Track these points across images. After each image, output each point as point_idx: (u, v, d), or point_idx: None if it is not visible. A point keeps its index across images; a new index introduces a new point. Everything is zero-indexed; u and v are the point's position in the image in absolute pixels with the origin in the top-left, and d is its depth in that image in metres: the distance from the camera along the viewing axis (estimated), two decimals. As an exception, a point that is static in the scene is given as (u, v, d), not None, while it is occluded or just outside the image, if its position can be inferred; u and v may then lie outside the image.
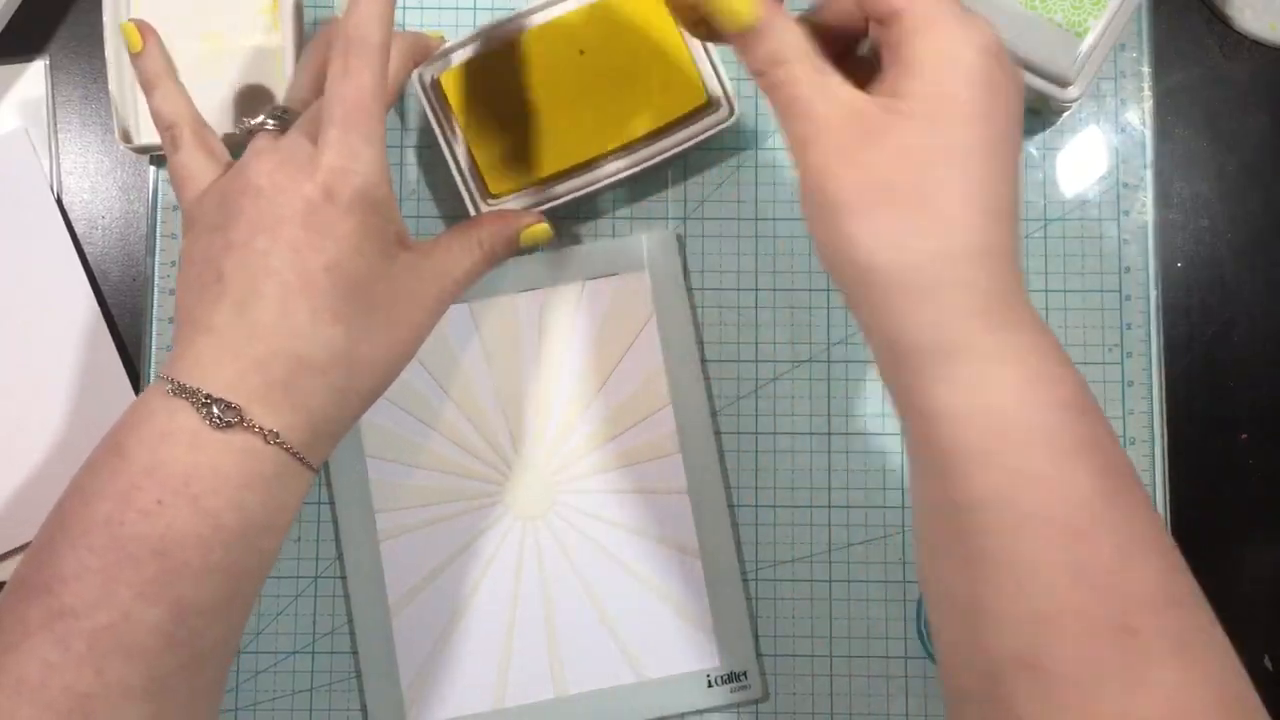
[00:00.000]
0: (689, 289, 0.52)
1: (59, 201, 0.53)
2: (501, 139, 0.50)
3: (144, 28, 0.47)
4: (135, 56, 0.47)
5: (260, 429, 0.38)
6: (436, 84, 0.50)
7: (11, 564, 0.51)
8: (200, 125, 0.46)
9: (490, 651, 0.51)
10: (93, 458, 0.39)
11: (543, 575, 0.51)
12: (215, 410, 0.38)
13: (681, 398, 0.51)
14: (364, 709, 0.51)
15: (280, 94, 0.51)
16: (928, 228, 0.35)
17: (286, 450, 0.39)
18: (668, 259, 0.52)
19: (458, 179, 0.50)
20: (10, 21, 0.54)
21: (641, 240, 0.52)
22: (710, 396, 0.52)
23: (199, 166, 0.44)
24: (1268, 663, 0.51)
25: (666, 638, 0.50)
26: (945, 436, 0.34)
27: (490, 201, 0.50)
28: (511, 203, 0.50)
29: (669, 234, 0.52)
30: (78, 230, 0.53)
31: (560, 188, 0.50)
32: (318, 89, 0.45)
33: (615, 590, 0.51)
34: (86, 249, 0.53)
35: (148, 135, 0.51)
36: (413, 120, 0.53)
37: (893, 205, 0.35)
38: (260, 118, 0.45)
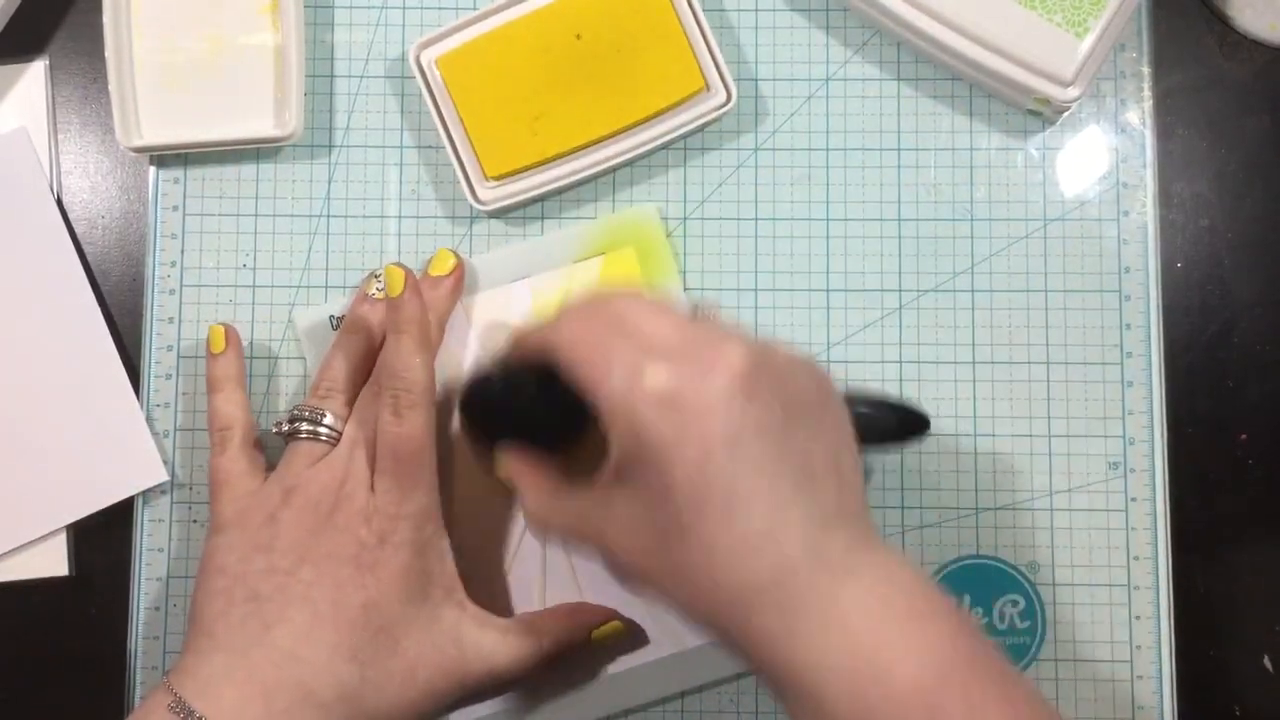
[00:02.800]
0: (677, 260, 0.52)
1: (59, 201, 0.53)
2: (499, 122, 0.50)
3: (231, 334, 0.50)
4: (213, 357, 0.49)
5: None
6: (435, 67, 0.51)
7: (11, 563, 0.51)
8: (251, 432, 0.48)
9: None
10: None
11: (568, 559, 0.50)
12: None
13: None
14: None
15: (276, 91, 0.51)
16: (689, 591, 0.37)
17: None
18: (652, 232, 0.52)
19: (454, 161, 0.50)
20: (10, 21, 0.54)
21: (624, 216, 0.52)
22: None
23: (241, 471, 0.46)
24: (1267, 663, 0.51)
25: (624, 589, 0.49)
26: (813, 708, 0.35)
27: (487, 184, 0.50)
28: (508, 186, 0.50)
29: (650, 208, 0.52)
30: (78, 230, 0.53)
31: (557, 171, 0.50)
32: (353, 377, 0.47)
33: None
34: (86, 249, 0.53)
35: (148, 135, 0.51)
36: (412, 103, 0.53)
37: (660, 579, 0.38)
38: (297, 423, 0.46)
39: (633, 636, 0.49)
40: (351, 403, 0.47)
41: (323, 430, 0.46)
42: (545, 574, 0.50)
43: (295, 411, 0.47)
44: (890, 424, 0.45)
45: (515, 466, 0.44)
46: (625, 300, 0.39)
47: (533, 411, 0.44)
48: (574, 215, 0.53)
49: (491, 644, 0.45)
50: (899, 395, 0.46)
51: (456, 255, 0.50)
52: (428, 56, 0.51)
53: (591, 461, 0.40)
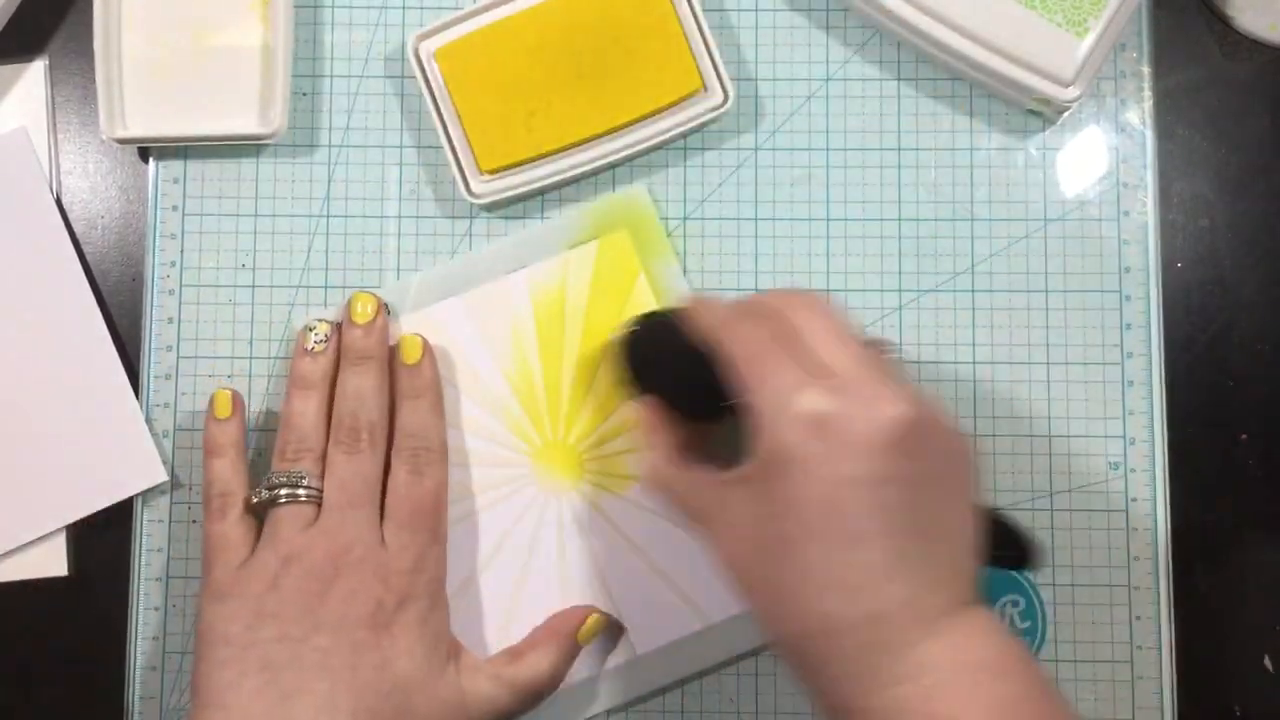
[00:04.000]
0: (671, 241, 0.52)
1: (58, 201, 0.53)
2: (495, 116, 0.50)
3: (236, 400, 0.50)
4: (217, 421, 0.49)
5: None
6: (433, 59, 0.51)
7: (11, 564, 0.51)
8: (249, 498, 0.47)
9: (496, 621, 0.50)
10: None
11: (586, 543, 0.50)
12: None
13: None
14: None
15: (263, 88, 0.51)
16: (780, 609, 0.38)
17: None
18: (644, 214, 0.52)
19: (449, 154, 0.50)
20: (10, 21, 0.54)
21: (614, 199, 0.52)
22: None
23: (238, 539, 0.46)
24: (1268, 663, 0.51)
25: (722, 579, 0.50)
26: None
27: (482, 178, 0.50)
28: (503, 180, 0.50)
29: (639, 188, 0.52)
30: (77, 230, 0.53)
31: (551, 166, 0.50)
32: (316, 435, 0.47)
33: (661, 541, 0.50)
34: (86, 249, 0.53)
35: (133, 127, 0.52)
36: (412, 103, 0.53)
37: (756, 588, 0.38)
38: (276, 489, 0.46)
39: (616, 627, 0.50)
40: (321, 460, 0.47)
41: (302, 493, 0.46)
42: (526, 575, 0.50)
43: (271, 479, 0.46)
44: (1006, 548, 0.44)
45: (651, 419, 0.44)
46: (809, 314, 0.40)
47: (685, 380, 0.44)
48: (575, 201, 0.52)
49: (490, 690, 0.46)
50: (1023, 527, 0.45)
51: (375, 298, 0.50)
52: (426, 49, 0.51)
53: (719, 448, 0.41)
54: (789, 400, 0.37)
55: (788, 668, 0.38)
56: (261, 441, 0.52)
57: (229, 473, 0.48)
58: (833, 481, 0.36)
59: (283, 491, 0.46)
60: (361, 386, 0.48)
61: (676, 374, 0.45)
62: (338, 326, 0.49)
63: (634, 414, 0.46)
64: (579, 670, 0.49)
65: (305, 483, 0.46)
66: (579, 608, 0.49)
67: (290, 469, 0.46)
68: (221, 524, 0.46)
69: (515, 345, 0.51)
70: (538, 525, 0.51)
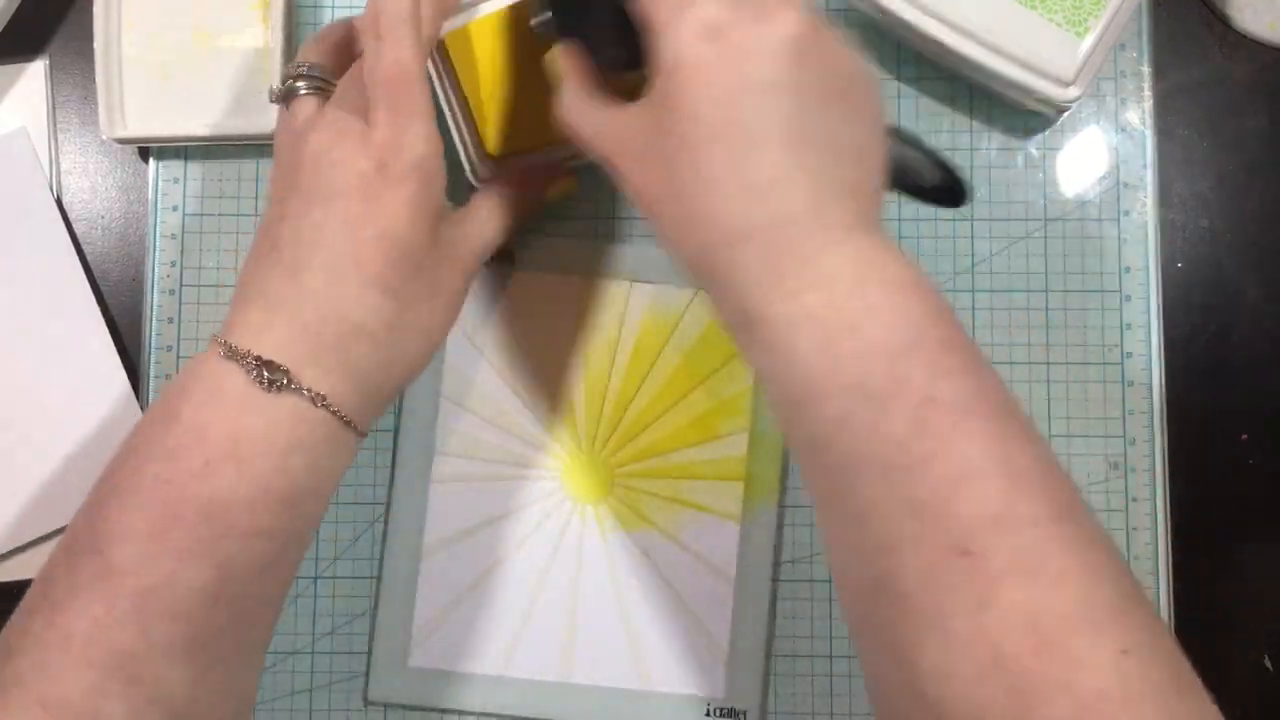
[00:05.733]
0: None
1: (59, 201, 0.53)
2: (502, 102, 0.50)
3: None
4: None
5: (309, 391, 0.39)
6: (441, 44, 0.51)
7: (11, 564, 0.51)
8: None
9: (508, 619, 0.51)
10: (145, 418, 0.40)
11: (579, 560, 0.51)
12: (265, 373, 0.38)
13: (761, 430, 0.51)
14: (371, 638, 0.51)
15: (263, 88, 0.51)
16: (687, 218, 0.37)
17: (334, 414, 0.39)
18: None
19: (455, 138, 0.50)
20: (10, 21, 0.54)
21: None
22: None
23: (286, 131, 0.44)
24: (1268, 662, 0.51)
25: (678, 654, 0.50)
26: (783, 359, 0.35)
27: (488, 164, 0.50)
28: (509, 166, 0.50)
29: None
30: (77, 230, 0.53)
31: (557, 154, 0.50)
32: (336, 58, 0.45)
33: (643, 594, 0.51)
34: (86, 249, 0.53)
35: (133, 127, 0.52)
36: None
37: (661, 202, 0.38)
38: (292, 80, 0.45)
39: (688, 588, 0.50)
40: (336, 59, 0.45)
41: (316, 81, 0.44)
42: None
43: (285, 74, 0.45)
44: (925, 171, 0.44)
45: (568, 61, 0.43)
46: None
47: (602, 22, 0.43)
48: (573, 200, 0.52)
49: (477, 227, 0.46)
50: (949, 159, 0.44)
51: None
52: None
53: (634, 94, 0.41)
54: (684, 10, 0.37)
55: (696, 281, 0.38)
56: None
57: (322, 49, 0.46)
58: (728, 86, 0.36)
59: (301, 85, 0.44)
60: None
61: (597, 19, 0.43)
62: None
63: (552, 58, 0.44)
64: (516, 668, 0.50)
65: (317, 73, 0.44)
66: (551, 164, 0.50)
67: (300, 62, 0.45)
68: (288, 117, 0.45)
69: (605, 349, 0.52)
70: (543, 520, 0.51)
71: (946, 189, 0.44)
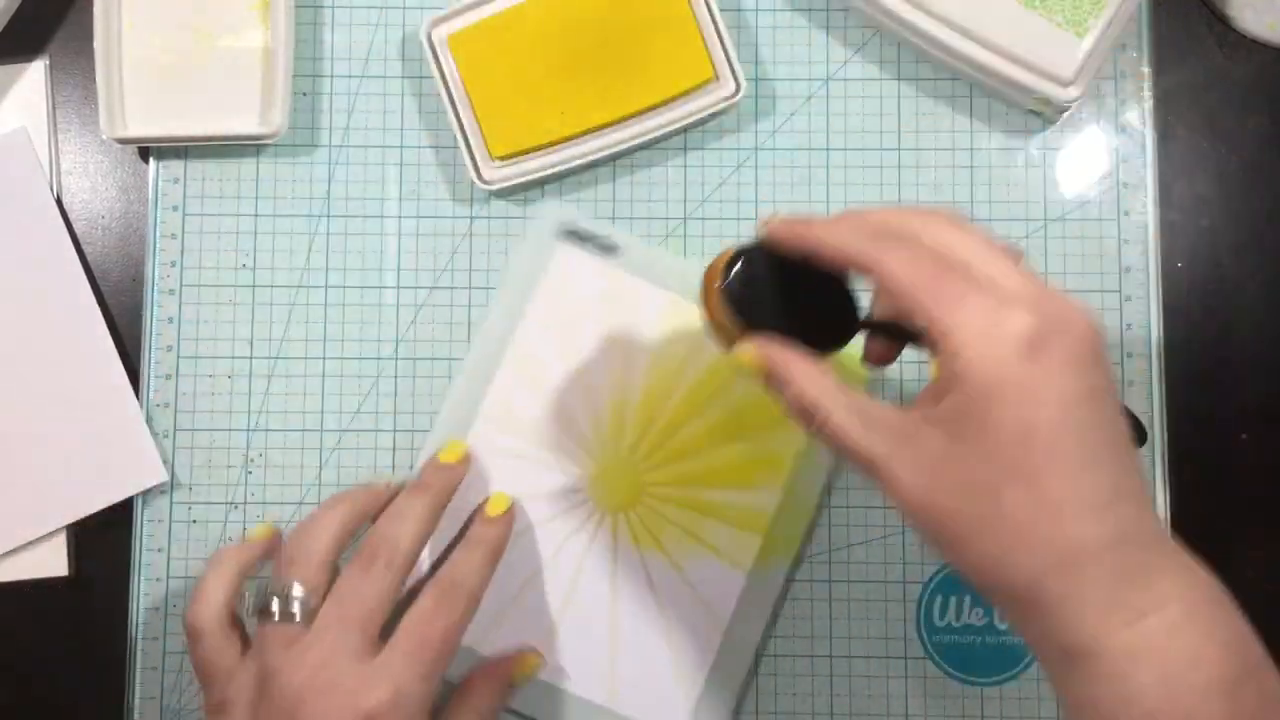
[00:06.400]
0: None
1: (59, 201, 0.53)
2: (506, 102, 0.50)
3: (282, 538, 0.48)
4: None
5: None
6: (446, 44, 0.51)
7: (11, 564, 0.51)
8: (232, 620, 0.46)
9: (489, 603, 0.50)
10: None
11: (579, 564, 0.50)
12: None
13: (795, 493, 0.51)
14: None
15: (264, 89, 0.51)
16: (1017, 544, 0.34)
17: None
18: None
19: (460, 140, 0.50)
20: (10, 21, 0.54)
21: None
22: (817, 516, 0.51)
23: (233, 654, 0.44)
24: (1268, 663, 0.51)
25: (651, 683, 0.50)
26: (1119, 692, 0.34)
27: (493, 164, 0.50)
28: (514, 166, 0.50)
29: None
30: (78, 230, 0.53)
31: (562, 154, 0.51)
32: (334, 545, 0.45)
33: (635, 612, 0.50)
34: (86, 249, 0.53)
35: (133, 127, 0.52)
36: (412, 103, 0.53)
37: (978, 530, 0.35)
38: (266, 598, 0.44)
39: (683, 619, 0.50)
40: (326, 568, 0.44)
41: (279, 607, 0.43)
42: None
43: (266, 584, 0.44)
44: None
45: (779, 352, 0.39)
46: (956, 230, 0.37)
47: (810, 308, 0.41)
48: (575, 198, 0.52)
49: None
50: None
51: (467, 450, 0.50)
52: (439, 34, 0.51)
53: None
54: (993, 324, 0.34)
55: (1006, 616, 0.36)
56: (261, 441, 0.52)
57: (215, 596, 0.46)
58: (1058, 403, 0.34)
59: (274, 604, 0.43)
60: (406, 507, 0.46)
61: (796, 304, 0.41)
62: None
63: (751, 355, 0.40)
64: (490, 647, 0.50)
65: (295, 594, 0.43)
66: (511, 652, 0.50)
67: (284, 577, 0.44)
68: (197, 647, 0.45)
69: (676, 362, 0.51)
70: (562, 517, 0.51)
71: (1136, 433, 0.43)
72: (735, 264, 0.41)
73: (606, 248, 0.51)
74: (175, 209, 0.53)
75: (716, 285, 0.41)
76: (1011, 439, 0.34)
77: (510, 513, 0.49)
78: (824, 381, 0.38)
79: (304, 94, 0.53)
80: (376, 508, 0.47)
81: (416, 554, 0.45)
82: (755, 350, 0.39)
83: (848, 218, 0.39)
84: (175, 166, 0.53)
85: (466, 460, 0.50)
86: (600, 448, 0.51)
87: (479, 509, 0.49)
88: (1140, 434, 0.46)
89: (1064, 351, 0.34)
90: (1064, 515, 0.34)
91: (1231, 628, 0.35)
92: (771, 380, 0.39)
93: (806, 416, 0.38)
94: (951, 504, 0.35)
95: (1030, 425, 0.34)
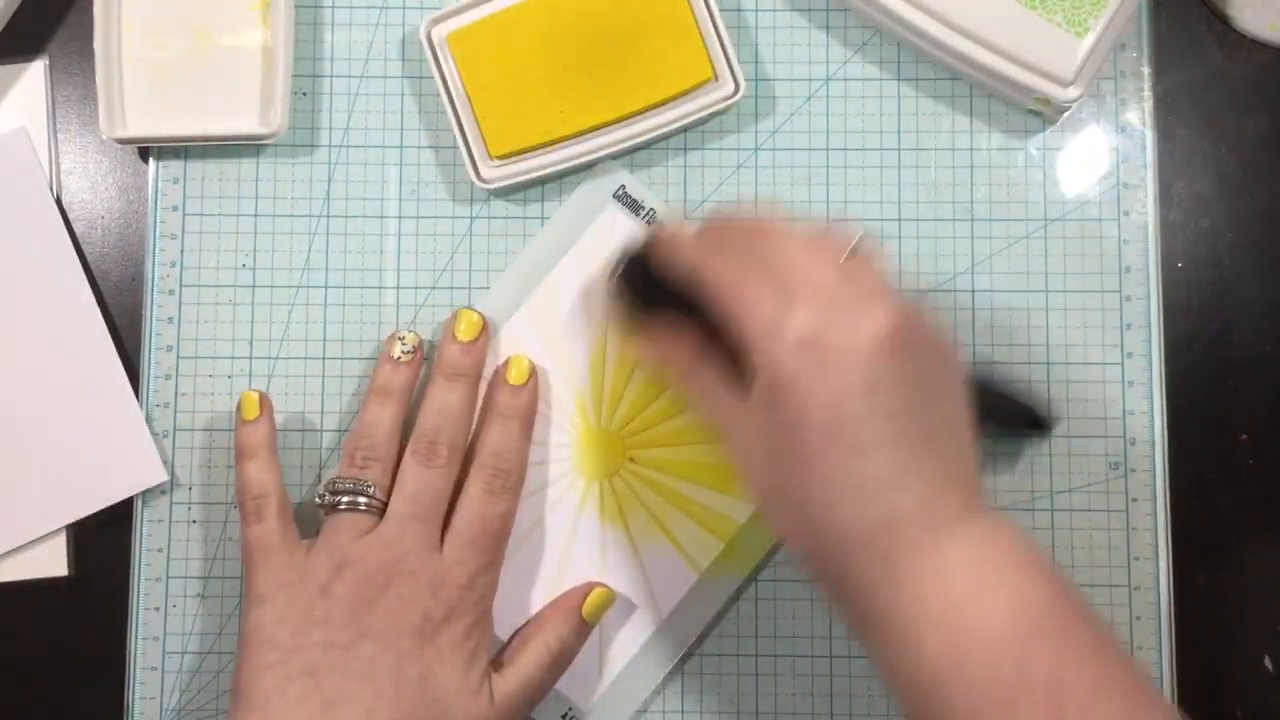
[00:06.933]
0: None
1: (58, 201, 0.53)
2: (505, 101, 0.50)
3: (264, 401, 0.50)
4: (246, 423, 0.49)
5: None
6: (445, 44, 0.51)
7: (11, 564, 0.51)
8: (287, 500, 0.47)
9: None
10: None
11: (539, 515, 0.50)
12: None
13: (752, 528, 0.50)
14: None
15: (263, 89, 0.51)
16: (798, 526, 0.39)
17: None
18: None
19: (459, 138, 0.50)
20: (10, 21, 0.54)
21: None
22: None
23: (280, 541, 0.46)
24: (1268, 663, 0.51)
25: (579, 657, 0.49)
26: (910, 660, 0.36)
27: (492, 163, 0.50)
28: (513, 165, 0.50)
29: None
30: (77, 230, 0.53)
31: (561, 153, 0.51)
32: (389, 444, 0.47)
33: (581, 582, 0.50)
34: (86, 249, 0.53)
35: (133, 127, 0.52)
36: (412, 103, 0.53)
37: (773, 507, 0.40)
38: (339, 495, 0.46)
39: (621, 598, 0.50)
40: (390, 471, 0.47)
41: (363, 501, 0.46)
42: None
43: (336, 483, 0.46)
44: (1008, 410, 0.48)
45: (665, 347, 0.45)
46: (779, 238, 0.40)
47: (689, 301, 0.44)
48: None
49: (515, 688, 0.46)
50: (1029, 389, 0.48)
51: (481, 317, 0.50)
52: (439, 33, 0.51)
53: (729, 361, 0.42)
54: (777, 325, 0.38)
55: (812, 582, 0.39)
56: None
57: (264, 474, 0.48)
58: (832, 396, 0.37)
59: (344, 499, 0.46)
60: (450, 403, 0.48)
61: (681, 297, 0.44)
62: (423, 341, 0.50)
63: (645, 345, 0.46)
64: (620, 657, 0.50)
65: (370, 492, 0.46)
66: (580, 586, 0.49)
67: (358, 476, 0.46)
68: (259, 526, 0.46)
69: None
70: (558, 499, 0.51)
71: (1031, 421, 0.49)
72: (624, 263, 0.46)
73: (651, 221, 0.52)
74: (175, 209, 0.53)
75: (610, 280, 0.47)
76: (791, 428, 0.37)
77: (534, 375, 0.50)
78: (694, 376, 0.43)
79: (304, 94, 0.53)
80: (416, 395, 0.49)
81: (467, 442, 0.48)
82: (648, 341, 0.46)
83: (705, 233, 0.43)
84: (175, 166, 0.53)
85: (485, 330, 0.50)
86: (595, 413, 0.51)
87: (499, 375, 0.49)
88: (1038, 422, 0.49)
89: (845, 345, 0.37)
90: (830, 501, 0.37)
91: (1024, 588, 0.36)
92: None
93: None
94: (762, 481, 0.40)
95: (803, 415, 0.37)
